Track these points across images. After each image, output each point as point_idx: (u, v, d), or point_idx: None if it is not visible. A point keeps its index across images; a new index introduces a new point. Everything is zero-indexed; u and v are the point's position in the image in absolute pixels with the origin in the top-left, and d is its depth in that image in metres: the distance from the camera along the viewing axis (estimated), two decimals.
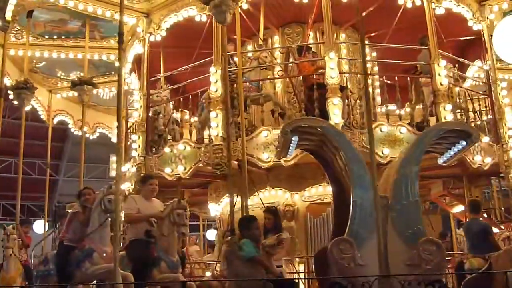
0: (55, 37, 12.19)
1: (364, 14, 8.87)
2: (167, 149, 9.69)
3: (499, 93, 10.30)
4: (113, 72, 13.12)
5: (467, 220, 8.98)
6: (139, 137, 10.23)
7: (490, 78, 10.39)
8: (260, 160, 8.75)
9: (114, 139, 14.77)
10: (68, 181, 26.33)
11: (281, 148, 5.73)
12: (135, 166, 10.17)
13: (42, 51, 12.37)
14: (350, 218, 4.99)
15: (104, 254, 6.63)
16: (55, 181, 27.39)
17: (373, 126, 7.81)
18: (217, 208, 10.75)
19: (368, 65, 9.77)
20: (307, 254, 9.04)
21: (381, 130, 8.72)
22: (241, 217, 6.51)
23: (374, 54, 11.86)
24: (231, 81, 8.92)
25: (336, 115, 8.57)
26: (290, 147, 5.60)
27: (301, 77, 9.62)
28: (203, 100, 9.66)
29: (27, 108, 13.25)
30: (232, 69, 9.18)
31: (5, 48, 11.16)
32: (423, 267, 4.81)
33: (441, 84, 9.16)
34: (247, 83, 9.25)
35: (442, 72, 9.22)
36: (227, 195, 9.88)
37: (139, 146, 10.18)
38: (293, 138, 5.38)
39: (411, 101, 9.79)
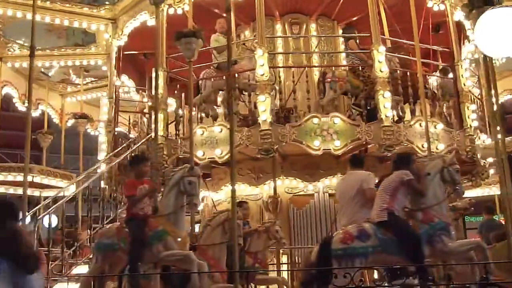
0: None
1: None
2: (315, 120, 8.60)
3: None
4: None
5: None
6: (265, 99, 8.63)
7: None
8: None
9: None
10: None
11: None
12: (247, 133, 8.57)
13: (25, 11, 10.59)
14: None
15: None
16: None
17: None
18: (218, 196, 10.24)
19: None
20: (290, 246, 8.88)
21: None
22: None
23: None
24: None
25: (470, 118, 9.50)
26: None
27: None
28: (335, 78, 9.21)
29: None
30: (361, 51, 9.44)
31: None
32: None
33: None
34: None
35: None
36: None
37: (264, 110, 8.58)
38: None
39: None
